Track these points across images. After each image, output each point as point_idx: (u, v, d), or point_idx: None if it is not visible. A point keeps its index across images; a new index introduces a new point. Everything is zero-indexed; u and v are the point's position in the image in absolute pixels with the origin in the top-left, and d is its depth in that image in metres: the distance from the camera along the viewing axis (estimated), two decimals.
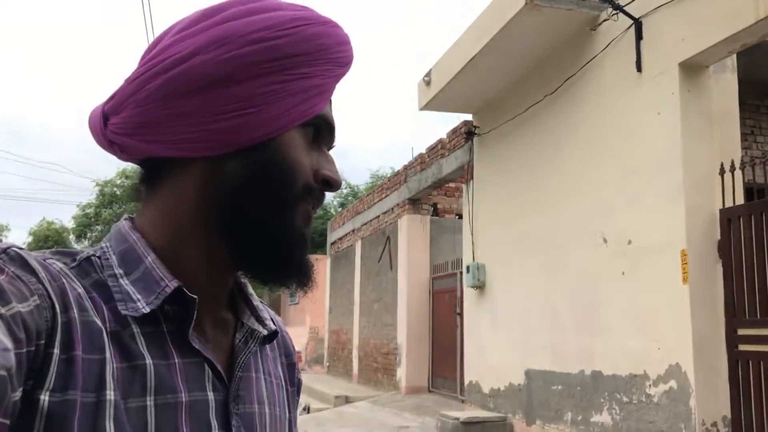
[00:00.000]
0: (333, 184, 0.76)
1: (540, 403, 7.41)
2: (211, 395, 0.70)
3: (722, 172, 5.33)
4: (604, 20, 6.50)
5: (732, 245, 5.25)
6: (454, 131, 10.63)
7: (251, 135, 0.70)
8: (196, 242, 0.72)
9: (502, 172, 8.50)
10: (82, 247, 0.77)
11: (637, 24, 6.06)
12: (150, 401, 0.64)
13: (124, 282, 0.68)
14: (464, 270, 9.25)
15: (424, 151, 12.14)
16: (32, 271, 0.60)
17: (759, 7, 4.83)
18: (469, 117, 9.82)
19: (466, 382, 9.30)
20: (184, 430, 0.66)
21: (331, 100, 0.78)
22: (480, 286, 8.82)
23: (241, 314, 0.80)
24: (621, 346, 6.08)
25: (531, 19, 6.66)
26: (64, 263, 0.67)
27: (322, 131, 0.76)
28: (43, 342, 0.57)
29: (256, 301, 0.82)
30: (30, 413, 0.56)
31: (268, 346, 0.84)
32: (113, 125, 0.72)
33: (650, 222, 5.75)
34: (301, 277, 0.75)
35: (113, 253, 0.71)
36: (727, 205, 5.32)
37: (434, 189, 12.48)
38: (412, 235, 12.81)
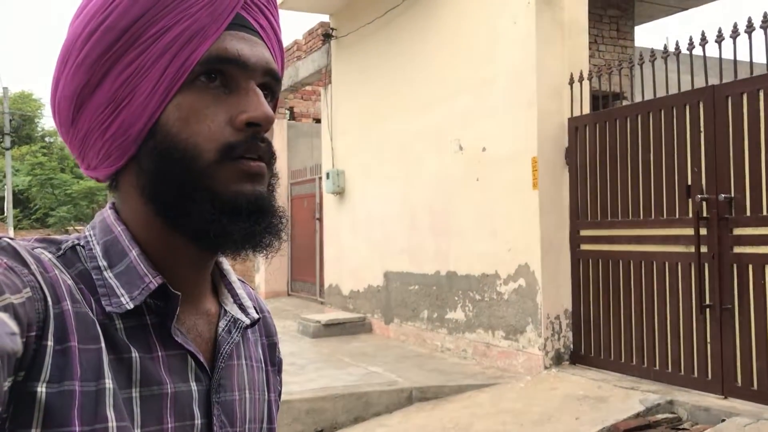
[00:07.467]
0: (258, 122, 0.65)
1: (397, 302, 7.74)
2: (194, 386, 0.69)
3: (571, 82, 5.59)
4: None
5: (578, 152, 5.59)
6: (311, 33, 10.34)
7: (135, 128, 0.65)
8: (162, 240, 0.69)
9: (361, 77, 8.41)
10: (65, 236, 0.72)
11: None
12: (135, 393, 0.63)
13: (108, 275, 0.66)
14: (324, 176, 9.23)
15: None
16: (24, 263, 0.58)
17: None
18: (326, 18, 9.52)
19: (326, 285, 9.49)
20: (169, 420, 0.66)
21: (237, 22, 0.66)
22: (340, 192, 8.87)
23: (224, 301, 0.77)
24: (474, 247, 6.40)
25: None
26: (51, 252, 0.65)
27: (223, 70, 0.65)
28: (34, 334, 0.55)
29: (240, 289, 0.79)
30: (28, 405, 0.55)
31: (249, 330, 0.82)
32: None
33: (504, 130, 5.97)
34: (252, 243, 0.67)
35: (97, 243, 0.68)
36: (575, 114, 5.61)
37: (290, 93, 12.16)
38: None
